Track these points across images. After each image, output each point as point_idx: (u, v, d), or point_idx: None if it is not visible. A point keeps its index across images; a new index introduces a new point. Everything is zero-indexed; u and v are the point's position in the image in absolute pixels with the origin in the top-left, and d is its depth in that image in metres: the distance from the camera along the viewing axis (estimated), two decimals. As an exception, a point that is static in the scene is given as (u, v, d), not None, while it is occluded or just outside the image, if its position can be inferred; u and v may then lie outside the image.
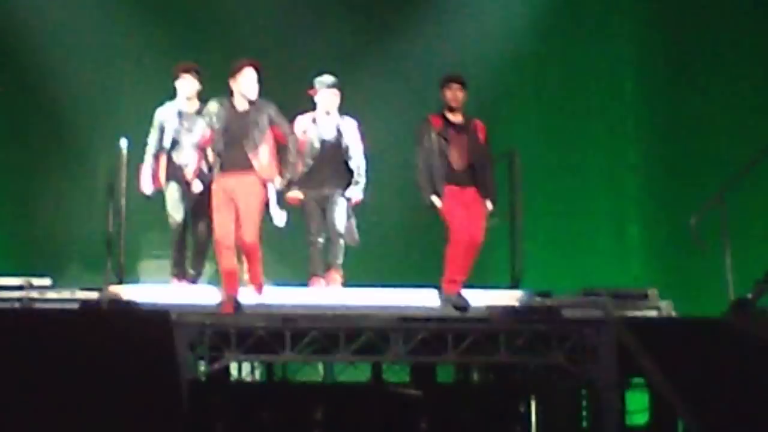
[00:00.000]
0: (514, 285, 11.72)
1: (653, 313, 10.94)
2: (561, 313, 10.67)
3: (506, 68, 14.89)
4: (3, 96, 14.33)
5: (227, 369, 10.28)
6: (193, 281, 11.41)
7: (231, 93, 10.76)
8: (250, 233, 10.52)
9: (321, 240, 11.43)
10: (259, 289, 10.70)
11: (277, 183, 10.74)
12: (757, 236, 12.57)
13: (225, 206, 10.54)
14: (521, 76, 15.06)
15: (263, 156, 10.62)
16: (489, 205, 11.10)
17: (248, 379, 11.53)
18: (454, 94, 11.05)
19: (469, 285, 11.08)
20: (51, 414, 8.07)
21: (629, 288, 11.79)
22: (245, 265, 10.78)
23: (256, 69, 10.75)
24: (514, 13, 15.12)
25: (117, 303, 10.39)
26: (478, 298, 11.03)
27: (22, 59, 14.47)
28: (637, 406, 10.79)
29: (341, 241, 11.46)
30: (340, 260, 11.45)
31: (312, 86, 11.64)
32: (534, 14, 15.16)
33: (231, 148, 10.61)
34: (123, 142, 11.53)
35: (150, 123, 11.59)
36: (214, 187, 10.68)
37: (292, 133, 10.95)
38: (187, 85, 11.56)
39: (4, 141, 14.48)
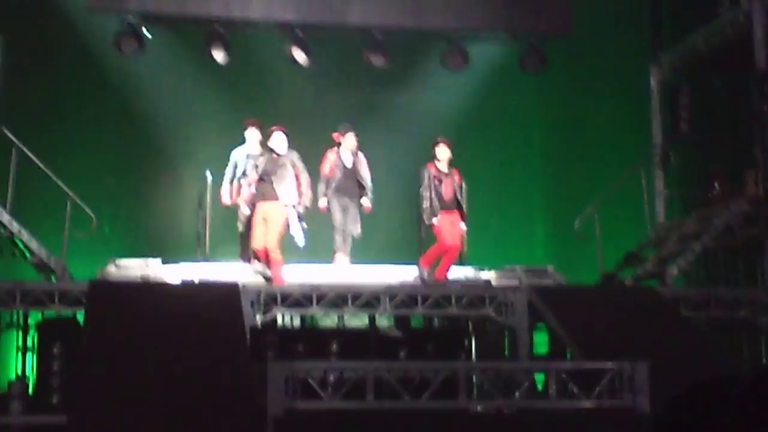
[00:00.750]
0: (462, 263, 11.81)
1: (551, 282, 11.05)
2: (491, 281, 10.84)
3: (460, 127, 14.68)
4: (126, 141, 14.41)
5: (275, 319, 10.28)
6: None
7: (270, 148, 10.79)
8: (271, 240, 10.48)
9: (342, 229, 11.48)
10: (279, 282, 10.45)
11: (297, 207, 10.64)
12: (620, 231, 12.48)
13: (261, 224, 10.61)
14: (470, 131, 14.91)
15: (287, 188, 10.62)
16: (463, 225, 11.30)
17: (289, 325, 11.48)
18: (441, 150, 11.26)
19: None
20: (161, 349, 8.10)
21: (535, 266, 11.88)
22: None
23: (283, 132, 10.79)
24: (465, 90, 15.08)
25: (203, 278, 10.47)
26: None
27: (137, 115, 14.45)
28: (541, 341, 10.88)
29: (350, 238, 11.56)
30: (348, 249, 11.57)
31: (337, 131, 11.65)
32: (480, 90, 15.17)
33: (266, 184, 10.66)
34: (208, 174, 11.83)
35: (225, 159, 11.59)
36: (255, 210, 10.73)
37: (304, 172, 10.80)
38: (253, 134, 11.51)
39: (126, 171, 14.46)
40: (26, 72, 13.90)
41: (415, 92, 15.32)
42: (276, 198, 10.56)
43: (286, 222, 10.58)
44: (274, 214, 10.56)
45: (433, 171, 11.24)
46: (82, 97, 14.46)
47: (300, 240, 10.61)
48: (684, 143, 13.27)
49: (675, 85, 13.33)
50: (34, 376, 10.35)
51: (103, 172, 13.97)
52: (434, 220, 11.10)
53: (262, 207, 10.64)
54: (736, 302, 10.42)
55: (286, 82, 14.69)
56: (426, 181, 11.21)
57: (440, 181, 11.20)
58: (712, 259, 12.27)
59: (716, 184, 12.39)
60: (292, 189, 10.64)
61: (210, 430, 7.12)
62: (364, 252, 11.71)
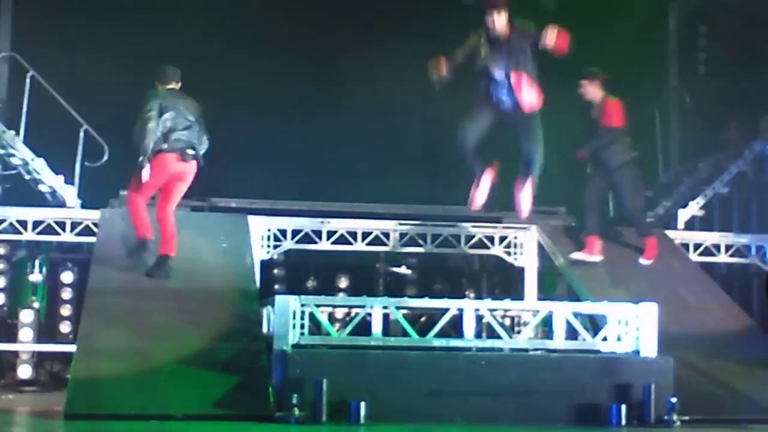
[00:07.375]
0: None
1: (561, 223, 10.85)
2: (501, 221, 10.58)
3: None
4: (140, 70, 14.05)
5: (284, 253, 10.18)
6: None
7: None
8: None
9: None
10: None
11: None
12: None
13: None
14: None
15: None
16: None
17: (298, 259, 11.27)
18: None
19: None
20: (170, 279, 7.99)
21: (547, 207, 11.20)
22: None
23: None
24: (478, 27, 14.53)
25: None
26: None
27: (151, 45, 13.34)
28: (549, 282, 10.87)
29: None
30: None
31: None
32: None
33: None
34: None
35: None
36: None
37: None
38: None
39: (140, 100, 14.06)
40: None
41: (424, 25, 15.07)
42: None
43: None
44: None
45: None
46: (95, 24, 14.24)
47: None
48: (700, 86, 13.08)
49: (693, 26, 13.12)
50: (45, 305, 10.38)
51: (116, 101, 13.73)
52: None
53: None
54: (747, 248, 10.40)
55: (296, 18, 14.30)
56: None
57: None
58: (724, 203, 12.15)
59: (732, 129, 12.25)
60: None
61: (216, 363, 7.10)
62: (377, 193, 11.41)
